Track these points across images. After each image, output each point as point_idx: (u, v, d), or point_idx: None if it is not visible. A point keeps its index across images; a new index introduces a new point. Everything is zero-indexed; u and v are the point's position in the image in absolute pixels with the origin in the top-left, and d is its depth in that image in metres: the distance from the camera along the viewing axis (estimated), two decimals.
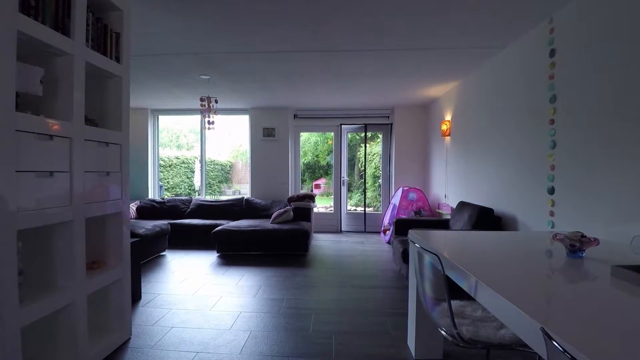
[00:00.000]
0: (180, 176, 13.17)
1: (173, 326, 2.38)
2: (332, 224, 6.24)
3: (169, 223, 5.11)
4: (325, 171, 13.37)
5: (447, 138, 4.81)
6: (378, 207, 7.06)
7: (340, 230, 6.21)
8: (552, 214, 2.56)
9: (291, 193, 6.09)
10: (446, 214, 4.72)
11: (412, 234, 1.96)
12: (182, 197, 6.01)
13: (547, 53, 2.58)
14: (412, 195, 5.31)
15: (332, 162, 6.34)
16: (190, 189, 12.85)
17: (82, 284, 1.87)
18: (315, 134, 12.13)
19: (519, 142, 3.01)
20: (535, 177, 2.76)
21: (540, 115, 2.69)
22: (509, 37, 2.94)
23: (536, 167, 2.75)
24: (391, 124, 6.12)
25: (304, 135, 12.95)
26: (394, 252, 3.88)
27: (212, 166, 14.31)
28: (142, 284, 3.18)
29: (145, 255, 4.13)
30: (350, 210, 6.41)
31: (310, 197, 5.19)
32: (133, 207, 5.72)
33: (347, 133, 6.31)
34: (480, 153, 3.77)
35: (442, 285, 1.40)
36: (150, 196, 6.33)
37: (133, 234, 3.85)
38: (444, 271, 1.29)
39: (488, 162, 3.58)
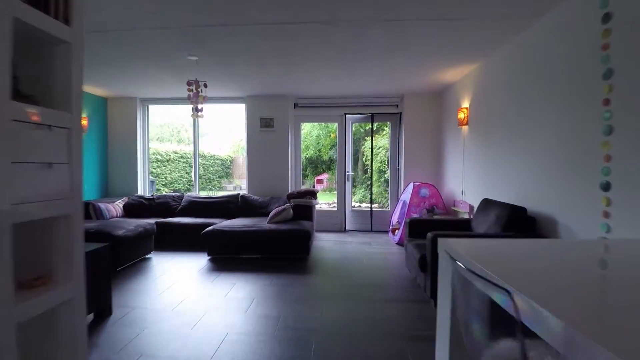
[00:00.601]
0: (178, 171, 12.76)
1: (141, 354, 1.93)
2: (335, 223, 5.78)
3: (155, 222, 4.68)
4: (328, 166, 12.87)
5: (464, 127, 4.31)
6: (385, 204, 6.59)
7: (345, 230, 5.75)
8: (607, 214, 2.08)
9: (291, 189, 5.63)
10: (463, 212, 4.23)
11: (447, 244, 1.48)
12: (173, 194, 5.56)
13: (598, 18, 2.08)
14: (425, 192, 4.83)
15: (336, 157, 5.87)
16: (189, 185, 12.44)
17: (8, 309, 1.41)
18: (317, 125, 11.61)
19: (559, 129, 2.52)
20: (583, 170, 2.27)
21: (590, 95, 2.20)
22: (548, 1, 2.44)
23: (584, 158, 2.26)
24: (400, 113, 5.62)
25: (305, 128, 12.45)
26: (407, 257, 3.41)
27: (212, 161, 13.82)
28: (118, 295, 2.74)
29: (126, 259, 3.68)
30: (355, 207, 5.92)
31: (312, 194, 4.72)
32: (120, 204, 5.28)
33: (351, 124, 5.81)
34: (506, 143, 3.28)
35: (496, 325, 0.93)
36: (140, 192, 5.89)
37: (108, 236, 3.40)
38: (520, 320, 0.82)
39: (516, 153, 3.09)
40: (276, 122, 5.52)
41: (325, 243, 4.83)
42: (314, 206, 4.77)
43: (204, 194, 6.54)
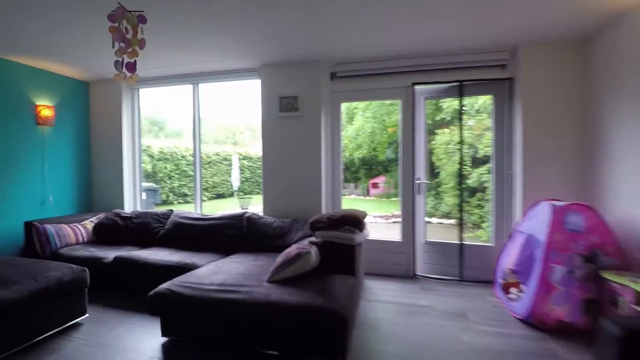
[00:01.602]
0: (222, 174, 11.52)
1: None
2: (398, 262, 3.61)
3: (115, 257, 3.02)
4: (385, 167, 10.56)
5: None
6: (485, 236, 4.21)
7: (414, 274, 3.54)
8: None
9: (325, 208, 3.61)
10: None
11: None
12: (157, 211, 3.89)
13: None
14: (576, 221, 2.46)
15: (396, 156, 3.72)
16: (232, 190, 11.11)
17: None
18: (370, 117, 9.30)
19: None
20: None
21: None
22: None
23: None
24: (511, 78, 3.28)
25: (355, 123, 10.22)
26: None
27: (259, 163, 12.32)
28: None
29: (20, 335, 1.99)
30: (430, 240, 3.65)
31: (354, 222, 2.62)
32: (90, 223, 3.77)
33: (424, 100, 3.59)
34: None
35: None
36: (128, 205, 4.36)
37: None
38: None
39: None
40: (302, 102, 3.55)
41: (379, 309, 2.72)
42: (360, 244, 2.69)
43: (203, 212, 4.84)
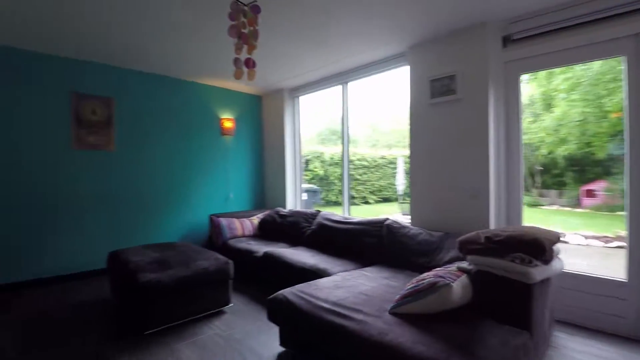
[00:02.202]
0: (387, 178, 11.44)
1: None
2: (617, 313, 2.23)
3: (264, 252, 3.19)
4: (607, 169, 7.55)
5: None
6: None
7: None
8: None
9: (493, 220, 2.66)
10: None
11: None
12: (307, 211, 3.94)
13: None
14: None
15: (624, 150, 2.34)
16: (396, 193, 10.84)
17: None
18: (578, 100, 6.74)
19: None
20: None
21: None
22: None
23: None
24: None
25: (556, 109, 7.63)
26: None
27: None
28: None
29: (163, 316, 2.30)
30: None
31: (534, 247, 1.69)
32: (257, 219, 4.23)
33: None
34: None
35: None
36: (290, 204, 4.70)
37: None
38: None
39: None
40: (461, 81, 2.76)
41: None
42: (544, 282, 1.73)
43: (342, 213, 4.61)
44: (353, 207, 9.57)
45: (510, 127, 2.74)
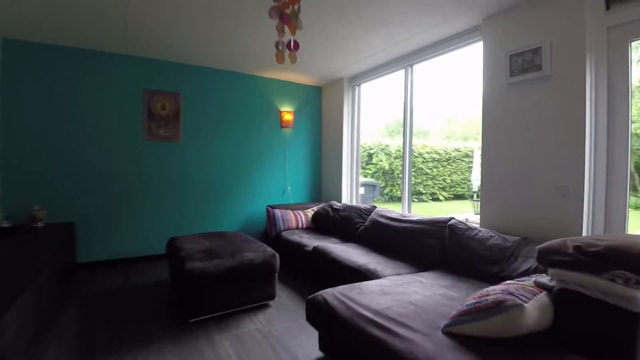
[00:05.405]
0: (462, 173, 10.55)
1: None
2: None
3: (314, 247, 3.08)
4: None
5: None
6: None
7: None
8: None
9: (589, 224, 2.12)
10: None
11: None
12: (361, 206, 3.69)
13: None
14: None
15: None
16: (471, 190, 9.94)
17: None
18: None
19: None
20: None
21: None
22: None
23: None
24: None
25: None
26: None
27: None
28: None
29: (207, 306, 2.31)
30: None
31: None
32: (311, 211, 4.14)
33: None
34: None
35: None
36: (345, 198, 4.51)
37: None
38: None
39: None
40: (549, 54, 2.24)
41: None
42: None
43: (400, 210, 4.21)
44: (420, 204, 8.98)
45: (613, 112, 2.14)
